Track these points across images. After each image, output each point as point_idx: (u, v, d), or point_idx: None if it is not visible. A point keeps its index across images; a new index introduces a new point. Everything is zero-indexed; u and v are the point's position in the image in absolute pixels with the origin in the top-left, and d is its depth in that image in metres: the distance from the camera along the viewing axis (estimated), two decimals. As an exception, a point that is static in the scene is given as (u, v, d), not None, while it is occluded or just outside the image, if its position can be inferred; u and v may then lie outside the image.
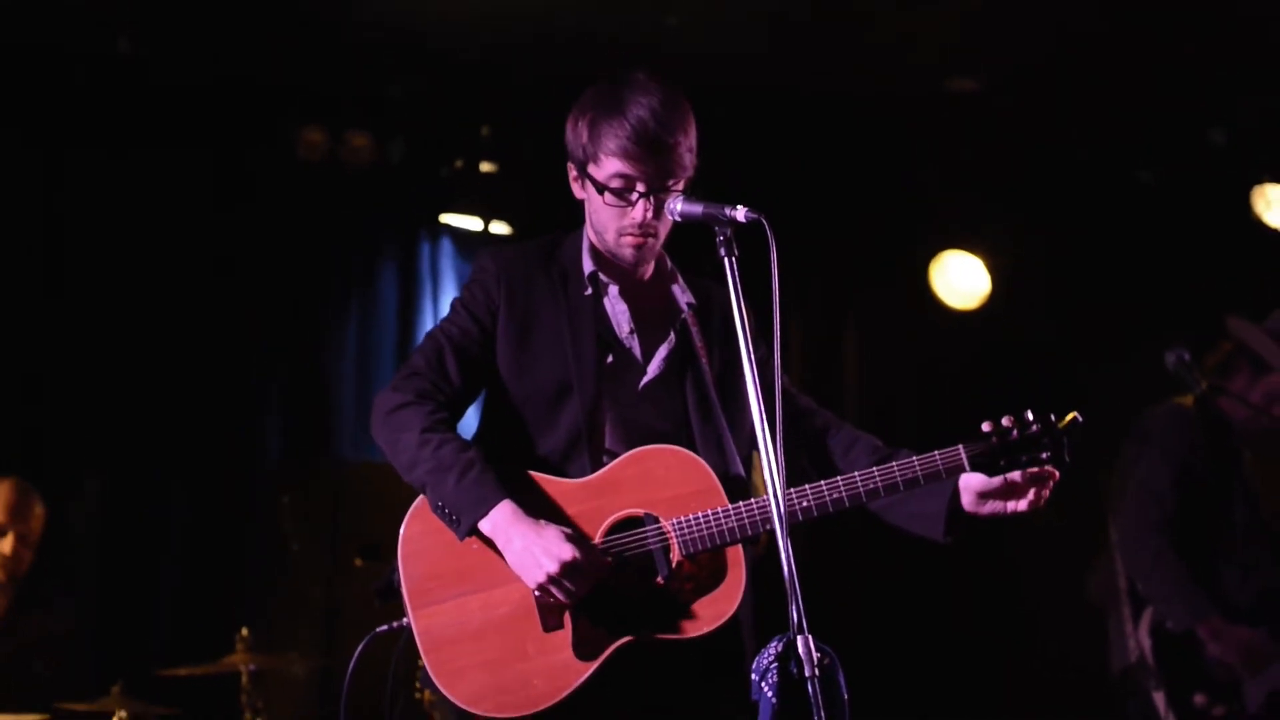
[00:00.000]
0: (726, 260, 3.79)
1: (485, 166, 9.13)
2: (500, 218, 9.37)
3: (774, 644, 3.64)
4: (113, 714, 6.77)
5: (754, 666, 3.69)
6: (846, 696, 3.65)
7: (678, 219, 3.98)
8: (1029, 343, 9.55)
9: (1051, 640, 8.73)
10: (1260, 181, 8.98)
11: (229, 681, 7.16)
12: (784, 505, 3.59)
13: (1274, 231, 9.00)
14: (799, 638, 3.51)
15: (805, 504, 3.97)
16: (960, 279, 9.63)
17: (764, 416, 3.62)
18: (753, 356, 3.70)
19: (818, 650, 3.51)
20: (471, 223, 9.37)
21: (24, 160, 8.11)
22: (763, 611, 4.16)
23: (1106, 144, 9.30)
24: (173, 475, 8.39)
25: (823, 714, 3.46)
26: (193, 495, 8.44)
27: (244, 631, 7.15)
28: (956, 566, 9.16)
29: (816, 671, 3.49)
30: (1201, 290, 7.03)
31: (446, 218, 9.36)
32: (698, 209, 3.90)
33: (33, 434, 7.99)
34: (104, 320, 8.19)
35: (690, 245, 4.32)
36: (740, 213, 3.79)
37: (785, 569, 3.50)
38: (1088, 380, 8.26)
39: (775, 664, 3.61)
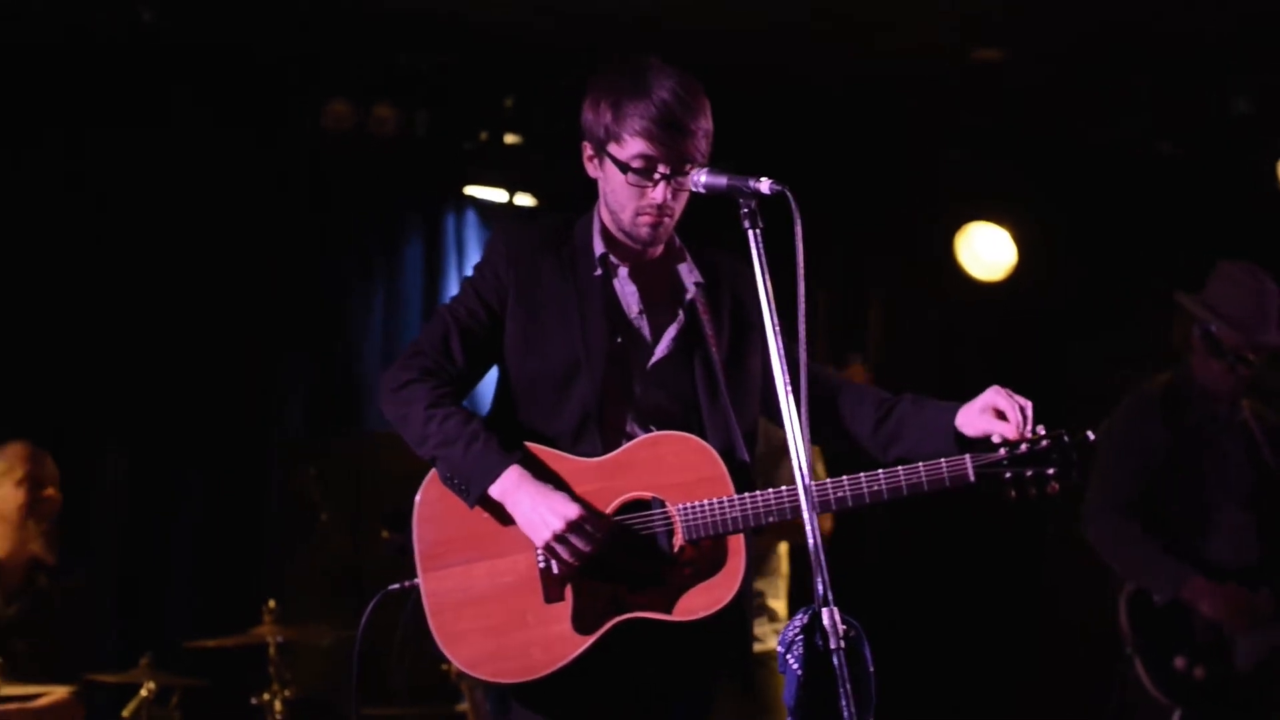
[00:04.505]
0: (751, 233, 3.79)
1: (510, 138, 9.13)
2: (524, 190, 9.38)
3: (800, 616, 3.66)
4: (141, 685, 6.81)
5: (780, 639, 3.72)
6: (872, 669, 3.65)
7: (701, 191, 3.97)
8: (1054, 315, 9.53)
9: (1074, 611, 8.74)
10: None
11: (257, 653, 7.21)
12: (809, 492, 3.58)
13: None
14: (824, 610, 3.52)
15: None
16: (986, 250, 9.61)
17: (789, 389, 3.63)
18: (778, 329, 3.70)
19: (843, 622, 3.53)
20: (496, 195, 9.39)
21: (48, 136, 8.12)
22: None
23: (1131, 114, 9.27)
24: (199, 448, 8.42)
25: (848, 686, 3.47)
26: (219, 467, 8.47)
27: (271, 603, 7.19)
28: (983, 541, 9.19)
29: (842, 644, 3.50)
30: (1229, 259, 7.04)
31: (471, 189, 9.38)
32: (722, 181, 3.90)
33: (57, 405, 8.00)
34: (128, 293, 8.22)
35: (707, 218, 4.32)
36: (765, 185, 3.79)
37: (810, 542, 3.51)
38: (1112, 352, 8.25)
39: (801, 636, 3.64)
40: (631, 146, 4.09)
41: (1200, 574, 6.49)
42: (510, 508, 3.98)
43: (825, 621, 3.51)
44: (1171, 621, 6.51)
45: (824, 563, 3.52)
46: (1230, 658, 6.48)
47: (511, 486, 3.97)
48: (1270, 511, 6.69)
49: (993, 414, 4.05)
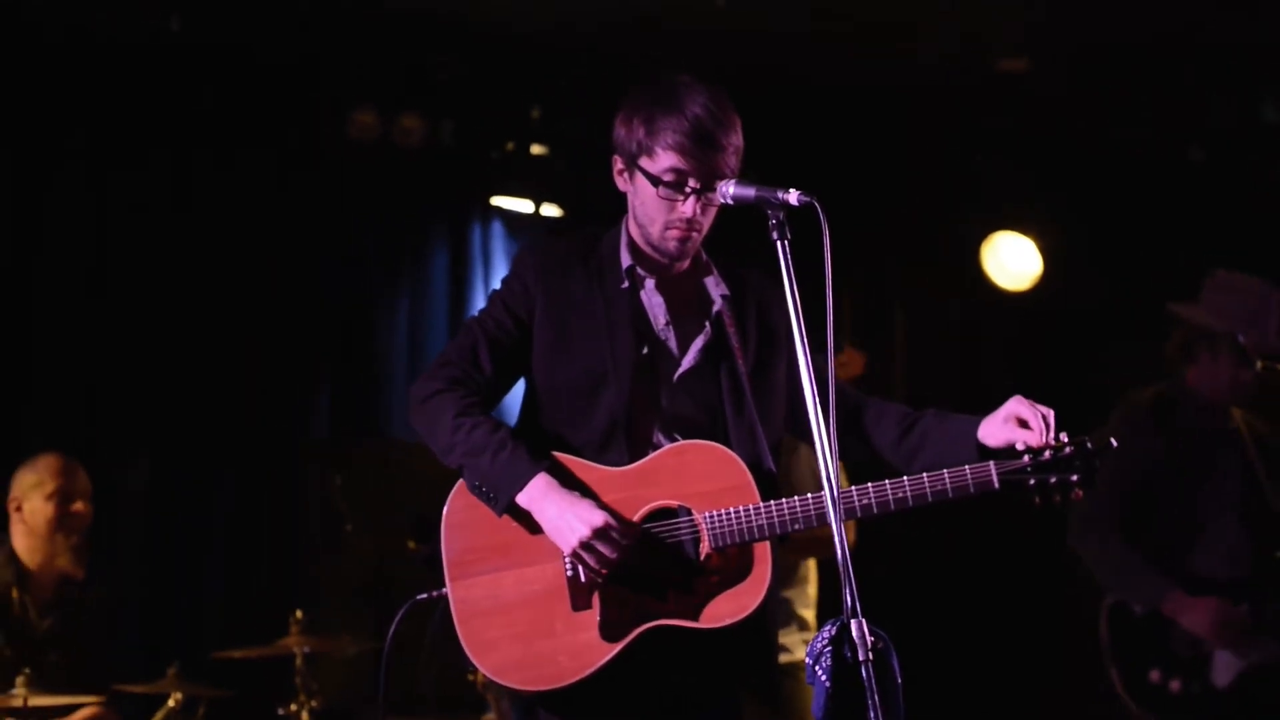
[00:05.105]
0: (779, 244, 3.80)
1: (536, 149, 9.14)
2: (551, 200, 9.39)
3: (828, 628, 3.67)
4: (169, 696, 6.83)
5: (808, 651, 3.72)
6: (900, 681, 3.66)
7: (730, 202, 3.99)
8: (1078, 322, 9.50)
9: (1096, 621, 8.72)
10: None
11: (283, 663, 7.22)
12: (836, 502, 3.59)
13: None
14: (853, 621, 3.52)
15: None
16: (1012, 260, 9.58)
17: (816, 402, 3.64)
18: (805, 341, 3.71)
19: (871, 634, 3.53)
20: (522, 205, 9.40)
21: (74, 141, 8.15)
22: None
23: (1157, 122, 9.25)
24: (225, 456, 8.44)
25: (876, 698, 3.47)
26: (245, 479, 8.49)
27: (298, 614, 7.20)
28: (1005, 550, 9.17)
29: (870, 656, 3.50)
30: (1256, 269, 7.01)
31: (497, 200, 9.39)
32: (750, 192, 3.91)
33: (84, 412, 8.03)
34: (156, 299, 8.24)
35: (734, 230, 4.33)
36: (793, 196, 3.80)
37: (839, 554, 3.51)
38: (1136, 360, 8.20)
39: (829, 648, 3.64)
40: (663, 160, 4.12)
41: (1181, 587, 6.47)
42: (537, 515, 4.02)
43: (854, 633, 3.51)
44: (1150, 633, 6.50)
45: (852, 574, 3.52)
46: (1208, 672, 6.46)
47: (539, 494, 4.00)
48: (1262, 524, 6.66)
49: (1015, 423, 4.10)
